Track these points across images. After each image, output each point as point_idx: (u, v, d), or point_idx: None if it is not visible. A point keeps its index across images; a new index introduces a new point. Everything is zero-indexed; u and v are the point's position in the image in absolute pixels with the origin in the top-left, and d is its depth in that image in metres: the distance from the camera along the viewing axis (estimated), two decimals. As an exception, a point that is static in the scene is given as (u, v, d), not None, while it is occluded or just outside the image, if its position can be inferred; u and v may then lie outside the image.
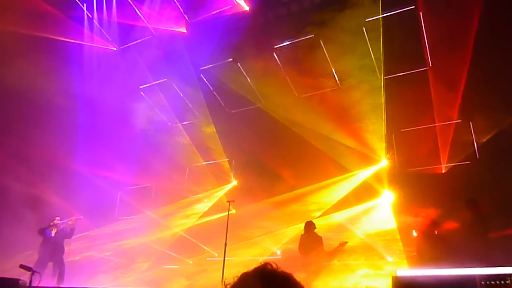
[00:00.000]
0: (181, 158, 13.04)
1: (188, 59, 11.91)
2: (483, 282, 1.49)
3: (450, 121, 9.70)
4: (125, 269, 11.74)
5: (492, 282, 1.46)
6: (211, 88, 12.46)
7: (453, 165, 9.44)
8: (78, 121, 12.34)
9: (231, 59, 11.62)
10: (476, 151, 9.27)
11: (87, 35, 12.67)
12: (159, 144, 13.02)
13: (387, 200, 9.98)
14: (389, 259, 9.28)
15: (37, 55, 10.85)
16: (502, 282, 1.48)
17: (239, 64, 11.61)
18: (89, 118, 12.41)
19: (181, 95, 12.67)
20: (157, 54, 12.09)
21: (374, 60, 10.25)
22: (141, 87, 13.08)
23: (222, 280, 7.35)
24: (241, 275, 1.43)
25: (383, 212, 9.83)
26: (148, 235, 12.18)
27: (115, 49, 12.97)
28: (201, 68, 12.19)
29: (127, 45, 12.72)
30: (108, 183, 12.63)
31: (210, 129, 12.59)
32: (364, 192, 10.16)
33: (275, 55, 11.14)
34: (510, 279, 1.50)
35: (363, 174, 10.43)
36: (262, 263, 1.45)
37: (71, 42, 12.24)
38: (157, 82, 12.78)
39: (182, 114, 13.02)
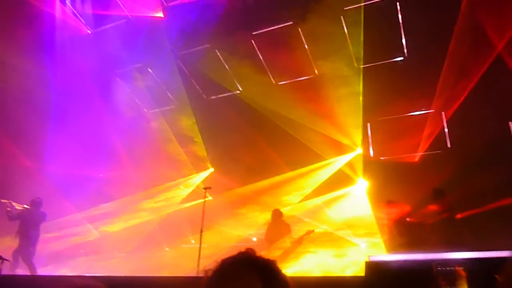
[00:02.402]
0: (158, 144, 12.91)
1: (165, 44, 11.69)
2: (439, 268, 1.56)
3: (424, 110, 9.90)
4: (98, 257, 11.62)
5: (447, 268, 1.54)
6: (189, 74, 12.31)
7: (426, 154, 9.66)
8: (50, 106, 12.01)
9: (208, 45, 11.48)
10: (447, 141, 9.52)
11: (59, 16, 12.25)
12: (135, 129, 12.82)
13: (361, 188, 10.16)
14: (363, 245, 9.49)
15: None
16: (456, 267, 1.55)
17: (216, 50, 11.49)
18: (61, 103, 12.09)
19: (158, 80, 12.48)
20: (133, 38, 11.82)
21: (351, 49, 10.32)
22: (116, 71, 12.81)
23: (197, 266, 7.38)
24: (222, 262, 1.38)
25: (357, 199, 10.01)
26: (123, 222, 12.07)
27: (89, 32, 12.61)
28: (178, 53, 12.00)
29: (101, 28, 12.39)
30: (82, 169, 12.41)
31: (187, 116, 12.46)
32: (339, 180, 10.31)
33: (253, 42, 11.07)
34: (464, 265, 1.58)
35: (338, 162, 10.57)
36: (244, 250, 1.42)
37: (43, 22, 11.79)
38: (133, 66, 12.54)
39: (159, 99, 12.84)
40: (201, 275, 1.38)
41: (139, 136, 12.73)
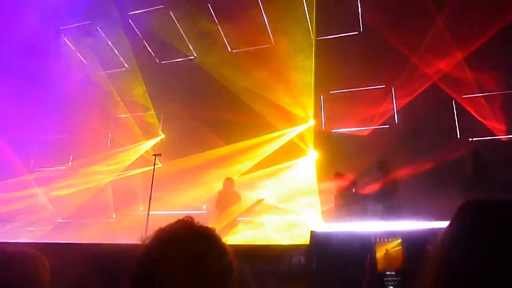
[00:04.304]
0: (106, 109, 12.36)
1: (115, 1, 11.01)
2: (377, 239, 1.59)
3: (376, 86, 10.11)
4: (41, 223, 11.16)
5: (385, 239, 1.58)
6: (140, 36, 11.76)
7: (375, 128, 9.94)
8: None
9: (162, 6, 10.96)
10: (396, 116, 9.83)
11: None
12: (81, 92, 12.14)
13: (310, 159, 10.33)
14: (310, 215, 9.73)
15: None
16: (394, 239, 1.60)
17: (171, 12, 11.00)
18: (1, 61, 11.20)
19: (107, 40, 11.81)
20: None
21: (308, 20, 10.25)
22: (61, 28, 11.96)
23: (144, 235, 7.26)
24: (159, 230, 1.34)
25: (306, 170, 10.18)
26: (69, 187, 11.61)
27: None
28: (129, 13, 11.37)
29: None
30: (24, 132, 11.73)
31: (138, 80, 11.95)
32: (290, 151, 10.39)
33: (209, 6, 10.69)
34: (400, 235, 1.62)
35: (290, 133, 10.64)
36: (183, 218, 1.37)
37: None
38: (79, 24, 11.74)
39: (108, 61, 12.20)
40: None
41: (85, 99, 12.08)
